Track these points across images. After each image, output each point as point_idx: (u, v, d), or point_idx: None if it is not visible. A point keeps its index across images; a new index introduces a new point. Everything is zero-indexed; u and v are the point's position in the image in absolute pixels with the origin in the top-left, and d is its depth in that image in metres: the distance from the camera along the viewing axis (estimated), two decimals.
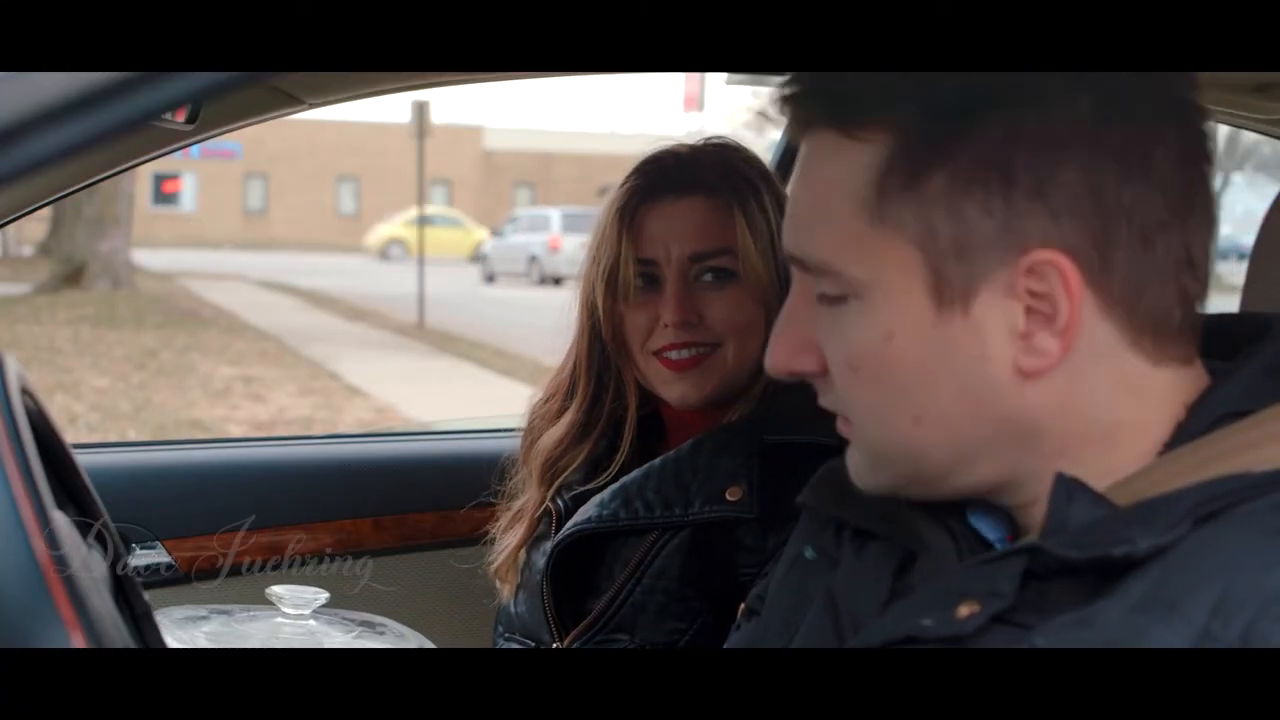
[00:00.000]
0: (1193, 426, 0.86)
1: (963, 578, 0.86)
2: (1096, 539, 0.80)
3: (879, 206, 0.85)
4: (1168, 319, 0.86)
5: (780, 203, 1.61)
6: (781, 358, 0.93)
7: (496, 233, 27.98)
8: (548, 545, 1.62)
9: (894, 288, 0.86)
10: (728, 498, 1.51)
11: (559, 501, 1.66)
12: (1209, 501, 0.79)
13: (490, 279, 25.94)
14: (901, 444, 0.89)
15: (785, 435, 1.52)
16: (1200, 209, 0.86)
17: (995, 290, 0.84)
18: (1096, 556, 0.80)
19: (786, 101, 0.90)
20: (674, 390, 1.58)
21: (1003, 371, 0.84)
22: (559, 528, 1.62)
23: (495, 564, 1.71)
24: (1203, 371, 0.89)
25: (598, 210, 1.66)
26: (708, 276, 1.57)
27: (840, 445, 1.01)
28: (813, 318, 0.91)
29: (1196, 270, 0.87)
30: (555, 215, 26.05)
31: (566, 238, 23.94)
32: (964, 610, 0.83)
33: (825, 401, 0.94)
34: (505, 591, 1.70)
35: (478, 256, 28.09)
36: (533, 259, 25.27)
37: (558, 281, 23.20)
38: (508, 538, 1.70)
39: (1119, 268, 0.83)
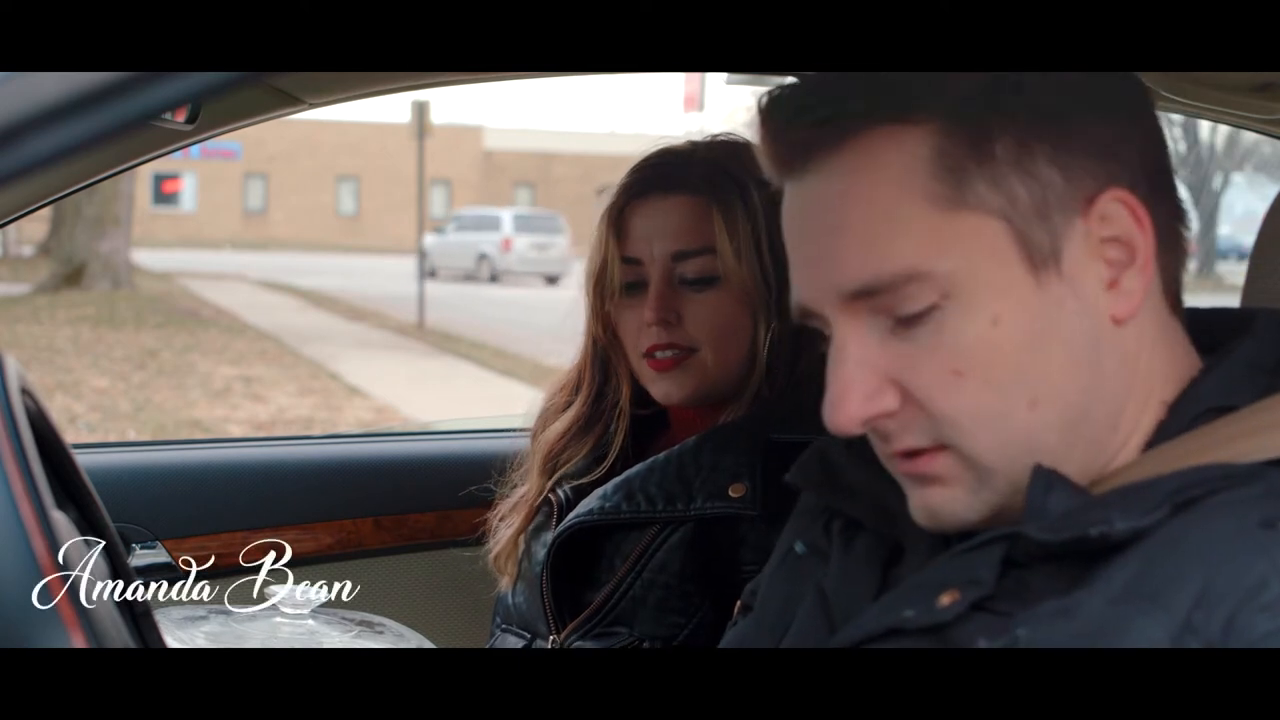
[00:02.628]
0: (1174, 424, 0.86)
1: (944, 567, 0.87)
2: (1073, 521, 0.81)
3: (954, 190, 0.83)
4: (1179, 265, 0.89)
5: (776, 202, 1.60)
6: (856, 409, 0.85)
7: (439, 230, 28.95)
8: (548, 536, 1.63)
9: (989, 267, 0.83)
10: (730, 494, 1.51)
11: (560, 493, 1.66)
12: (1187, 488, 0.80)
13: (432, 273, 26.62)
14: (1018, 437, 0.84)
15: (791, 434, 1.52)
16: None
17: (1076, 242, 0.84)
18: (1073, 537, 0.80)
19: (822, 111, 0.85)
20: (659, 388, 1.60)
21: (1101, 323, 0.85)
22: (560, 519, 1.63)
23: (494, 552, 1.71)
24: (1188, 366, 0.90)
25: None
26: (690, 277, 1.57)
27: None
28: (882, 354, 0.86)
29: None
30: (507, 216, 27.02)
31: (518, 238, 25.48)
32: (945, 599, 0.83)
33: (906, 441, 0.87)
34: (504, 582, 1.71)
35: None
36: (483, 257, 26.37)
37: (494, 279, 25.19)
38: (506, 526, 1.70)
39: (1164, 208, 0.87)
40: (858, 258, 0.85)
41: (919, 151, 0.83)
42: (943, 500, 0.87)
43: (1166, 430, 0.86)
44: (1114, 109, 0.86)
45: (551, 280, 25.10)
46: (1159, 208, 0.87)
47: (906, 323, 0.84)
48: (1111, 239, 0.85)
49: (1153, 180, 0.87)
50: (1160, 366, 0.88)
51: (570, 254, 25.20)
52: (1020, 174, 0.83)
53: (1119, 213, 0.84)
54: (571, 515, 1.60)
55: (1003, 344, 0.83)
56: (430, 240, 28.04)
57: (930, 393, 0.84)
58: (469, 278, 26.06)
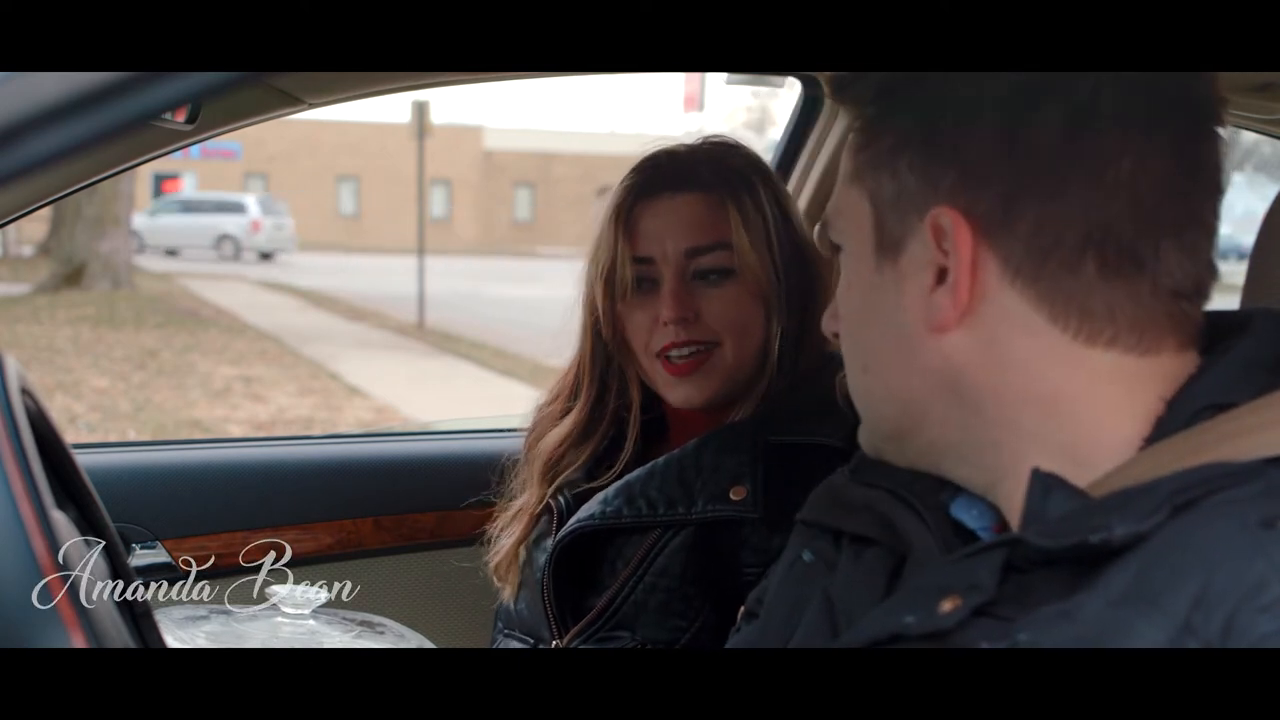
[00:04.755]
0: (1171, 421, 0.86)
1: (944, 573, 0.87)
2: (1073, 527, 0.81)
3: (850, 164, 0.95)
4: (1085, 299, 0.86)
5: (779, 200, 1.61)
6: (824, 319, 1.04)
7: (150, 212, 32.34)
8: (549, 542, 1.62)
9: (854, 239, 0.95)
10: (731, 497, 1.51)
11: (560, 499, 1.66)
12: (1187, 489, 0.79)
13: (140, 249, 29.69)
14: (859, 392, 0.97)
15: (789, 435, 1.52)
16: (1140, 200, 0.85)
17: (917, 244, 0.90)
18: (1074, 544, 0.80)
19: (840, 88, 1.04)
20: (678, 393, 1.58)
21: (916, 323, 0.90)
22: (560, 525, 1.62)
23: (494, 563, 1.71)
24: (1185, 365, 0.89)
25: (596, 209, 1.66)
26: (706, 272, 1.57)
27: (842, 448, 1.01)
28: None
29: (1127, 261, 0.86)
30: (252, 201, 30.92)
31: (265, 220, 29.99)
32: (946, 605, 0.83)
33: None
34: (506, 592, 1.70)
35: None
36: (224, 237, 30.23)
37: (237, 257, 29.26)
38: (506, 536, 1.70)
39: (1021, 236, 0.86)
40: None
41: (852, 128, 0.98)
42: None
43: (1164, 427, 0.86)
44: (985, 136, 0.86)
45: (266, 256, 29.72)
46: (1009, 235, 0.86)
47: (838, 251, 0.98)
48: (946, 252, 0.88)
49: (1012, 210, 0.86)
50: (1060, 386, 0.87)
51: (294, 234, 31.38)
52: (889, 169, 0.91)
53: (948, 228, 0.88)
54: (573, 520, 1.59)
55: (849, 307, 0.97)
56: (139, 220, 31.55)
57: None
58: (172, 254, 29.79)
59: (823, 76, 2.13)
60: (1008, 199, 0.86)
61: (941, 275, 0.88)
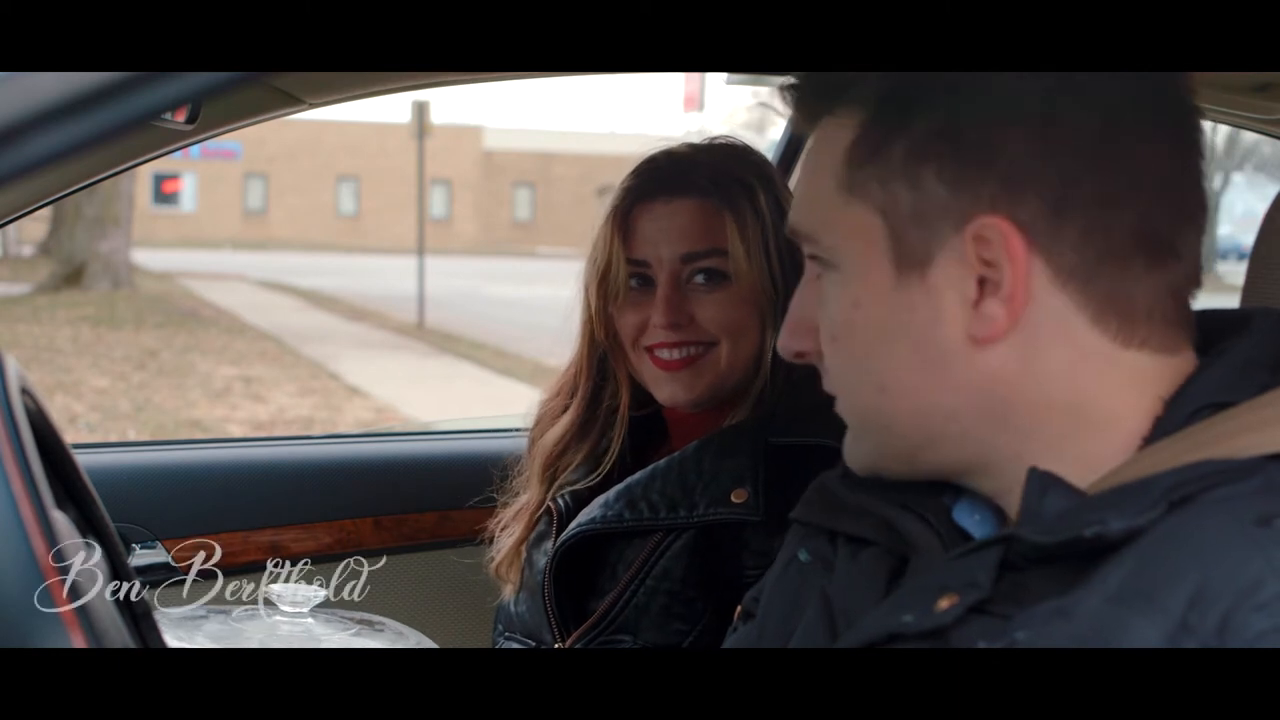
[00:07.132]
0: (1169, 421, 0.86)
1: (941, 571, 0.87)
2: (1068, 523, 0.81)
3: (848, 177, 0.91)
4: (1130, 298, 0.86)
5: (781, 206, 1.61)
6: (785, 339, 0.98)
7: None
8: (548, 545, 1.62)
9: (860, 255, 0.90)
10: (733, 500, 1.51)
11: (559, 501, 1.66)
12: (1183, 485, 0.80)
13: None
14: (870, 414, 0.93)
15: (790, 437, 1.52)
16: (1172, 191, 0.87)
17: (950, 257, 0.87)
18: (1068, 539, 0.80)
19: (800, 100, 0.97)
20: (664, 390, 1.58)
21: (955, 337, 0.88)
22: (560, 527, 1.62)
23: (496, 562, 1.71)
24: (1184, 365, 0.89)
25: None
26: (699, 278, 1.57)
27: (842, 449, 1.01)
28: (810, 300, 0.96)
29: (1168, 254, 0.87)
30: None
31: None
32: (943, 603, 0.83)
33: (825, 384, 0.97)
34: (507, 590, 1.70)
35: None
36: None
37: None
38: (507, 535, 1.70)
39: (1070, 239, 0.85)
40: (795, 204, 0.98)
41: (842, 141, 0.92)
42: (846, 441, 0.98)
43: (1164, 426, 0.86)
44: (1023, 138, 0.85)
45: None
46: (1057, 239, 0.85)
47: (819, 266, 0.94)
48: (989, 262, 0.86)
49: (1060, 213, 0.85)
50: (1090, 393, 0.87)
51: None
52: (907, 181, 0.88)
53: (995, 240, 0.85)
54: (574, 524, 1.59)
55: (859, 326, 0.91)
56: None
57: (823, 347, 0.95)
58: None
59: (809, 84, 2.13)
60: (1054, 202, 0.85)
61: (983, 286, 0.86)
